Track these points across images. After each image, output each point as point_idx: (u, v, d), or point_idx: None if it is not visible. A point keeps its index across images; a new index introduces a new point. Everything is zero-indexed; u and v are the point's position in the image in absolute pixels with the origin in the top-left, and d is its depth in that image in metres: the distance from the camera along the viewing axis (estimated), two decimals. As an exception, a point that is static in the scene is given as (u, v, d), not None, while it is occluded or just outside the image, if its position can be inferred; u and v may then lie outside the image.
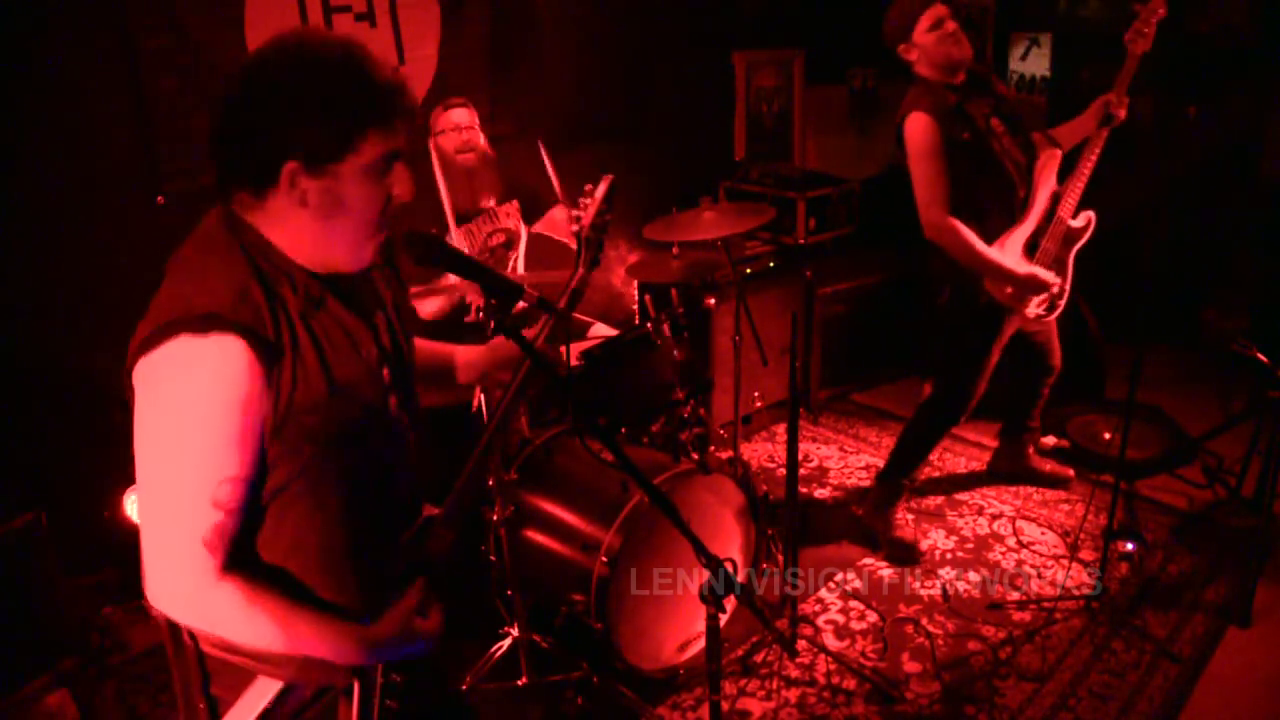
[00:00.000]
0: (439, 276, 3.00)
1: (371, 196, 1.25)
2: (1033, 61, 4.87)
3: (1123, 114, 2.92)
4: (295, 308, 1.24)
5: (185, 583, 1.20)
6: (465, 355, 1.73)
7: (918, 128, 2.80)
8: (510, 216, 3.28)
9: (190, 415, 1.16)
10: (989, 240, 2.90)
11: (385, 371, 1.37)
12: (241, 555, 1.24)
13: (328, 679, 1.34)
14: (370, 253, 1.31)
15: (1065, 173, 2.97)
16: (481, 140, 3.17)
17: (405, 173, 1.23)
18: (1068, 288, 3.06)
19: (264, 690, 1.33)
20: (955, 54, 2.83)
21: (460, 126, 3.12)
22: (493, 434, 1.47)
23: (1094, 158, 2.94)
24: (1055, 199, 2.97)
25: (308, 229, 1.25)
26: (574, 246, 1.75)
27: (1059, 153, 2.97)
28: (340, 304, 1.31)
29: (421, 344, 1.64)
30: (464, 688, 2.49)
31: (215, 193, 1.28)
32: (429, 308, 3.09)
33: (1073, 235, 3.01)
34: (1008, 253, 2.92)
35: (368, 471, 1.34)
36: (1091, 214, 3.01)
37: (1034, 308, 3.01)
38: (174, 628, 1.30)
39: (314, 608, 1.28)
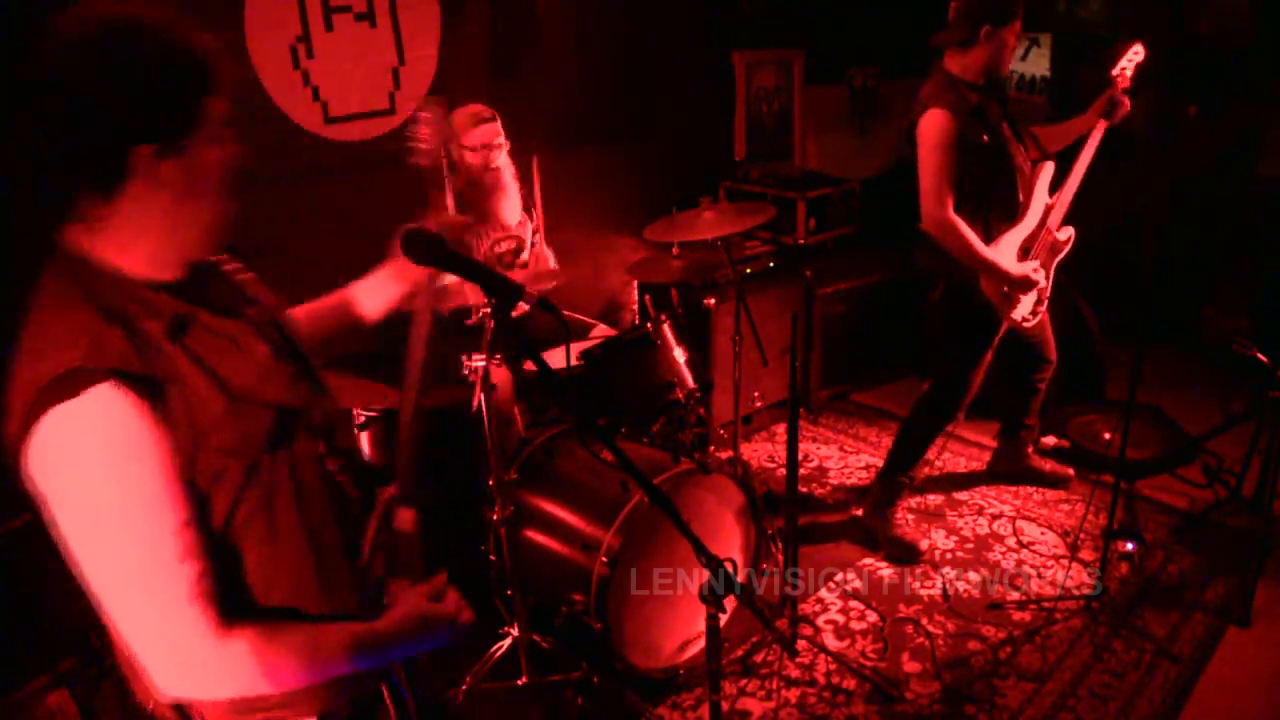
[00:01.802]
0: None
1: (222, 162, 1.18)
2: (1033, 61, 4.87)
3: (1126, 106, 2.99)
4: (160, 333, 1.13)
5: (194, 651, 1.11)
6: (362, 290, 1.62)
7: (934, 123, 2.78)
8: (520, 224, 3.27)
9: (107, 484, 1.06)
10: (988, 240, 2.92)
11: (284, 364, 1.28)
12: (238, 607, 1.16)
13: (358, 692, 1.29)
14: (225, 229, 1.23)
15: (1054, 185, 3.05)
16: (501, 157, 3.11)
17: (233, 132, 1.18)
18: (1048, 295, 3.14)
19: None
20: (1007, 65, 2.92)
21: (479, 147, 3.06)
22: (420, 379, 1.41)
23: (1081, 175, 3.01)
24: (1047, 210, 3.03)
25: (170, 215, 1.15)
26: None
27: (1052, 165, 3.03)
28: (209, 312, 1.21)
29: (311, 305, 1.57)
30: (464, 688, 2.50)
31: (39, 238, 1.18)
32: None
33: (1057, 247, 3.08)
34: (1003, 252, 2.95)
35: (308, 471, 1.27)
36: (1072, 230, 3.07)
37: (1022, 309, 3.04)
38: (182, 713, 1.21)
39: (329, 625, 1.23)
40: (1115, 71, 3.02)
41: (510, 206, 3.19)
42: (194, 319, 1.18)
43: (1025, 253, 3.01)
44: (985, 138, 2.84)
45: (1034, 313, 3.10)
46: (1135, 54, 3.03)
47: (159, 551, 1.09)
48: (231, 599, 1.16)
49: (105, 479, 1.06)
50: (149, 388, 1.08)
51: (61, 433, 1.05)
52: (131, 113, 1.08)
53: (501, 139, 3.10)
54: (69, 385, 1.04)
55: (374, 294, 1.63)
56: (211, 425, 1.13)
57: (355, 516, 1.36)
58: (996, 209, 2.94)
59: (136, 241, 1.16)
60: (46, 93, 1.09)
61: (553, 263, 3.38)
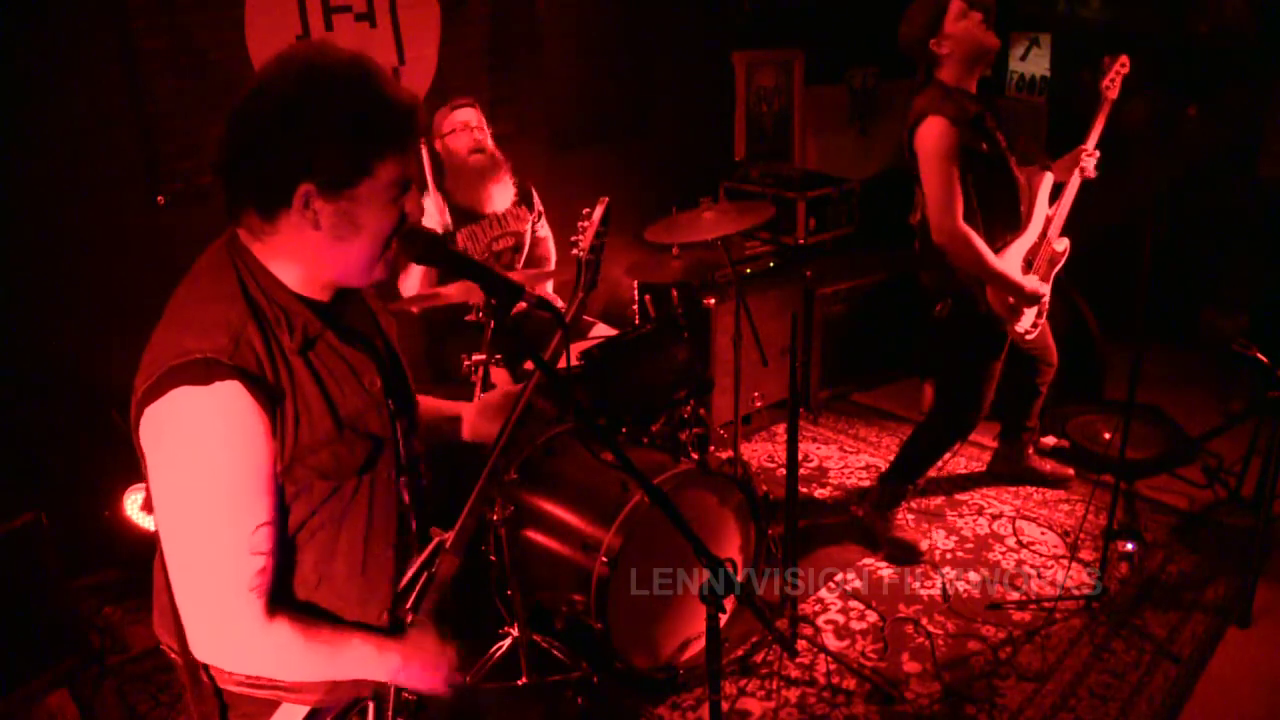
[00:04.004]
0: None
1: (385, 218, 1.24)
2: (1033, 61, 4.87)
3: (1091, 172, 3.01)
4: (292, 347, 1.22)
5: (238, 633, 1.20)
6: (477, 414, 1.70)
7: (934, 131, 2.72)
8: (520, 220, 3.27)
9: (211, 468, 1.15)
10: (994, 252, 2.89)
11: (390, 399, 1.36)
12: (280, 594, 1.24)
13: (352, 696, 1.35)
14: (381, 271, 1.30)
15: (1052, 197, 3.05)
16: (489, 142, 3.13)
17: (415, 193, 1.22)
18: (1048, 308, 3.13)
19: (290, 716, 1.33)
20: (987, 41, 2.78)
21: (470, 126, 3.08)
22: (497, 460, 1.48)
23: (1076, 190, 3.02)
24: (1047, 222, 3.02)
25: (319, 250, 1.23)
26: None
27: (1051, 175, 3.02)
28: (339, 337, 1.29)
29: (429, 400, 1.64)
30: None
31: (224, 213, 1.26)
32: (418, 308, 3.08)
33: (1055, 258, 3.07)
34: (1009, 264, 2.92)
35: (382, 498, 1.34)
36: (1068, 241, 3.06)
37: (1024, 323, 3.03)
38: (191, 665, 1.28)
39: (359, 629, 1.31)
40: (1105, 83, 3.00)
41: (501, 194, 3.17)
42: (323, 338, 1.26)
43: (1028, 265, 3.00)
44: (985, 146, 2.80)
45: (1034, 325, 3.09)
46: (1122, 66, 3.00)
47: (237, 542, 1.17)
48: (279, 592, 1.24)
49: (211, 465, 1.15)
50: (270, 396, 1.18)
51: (183, 412, 1.14)
52: (302, 154, 1.16)
53: (482, 124, 3.10)
54: (203, 372, 1.14)
55: (485, 422, 1.68)
56: (315, 443, 1.22)
57: (408, 546, 1.44)
58: (999, 219, 2.91)
59: (289, 260, 1.24)
60: (239, 116, 1.18)
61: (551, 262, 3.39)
